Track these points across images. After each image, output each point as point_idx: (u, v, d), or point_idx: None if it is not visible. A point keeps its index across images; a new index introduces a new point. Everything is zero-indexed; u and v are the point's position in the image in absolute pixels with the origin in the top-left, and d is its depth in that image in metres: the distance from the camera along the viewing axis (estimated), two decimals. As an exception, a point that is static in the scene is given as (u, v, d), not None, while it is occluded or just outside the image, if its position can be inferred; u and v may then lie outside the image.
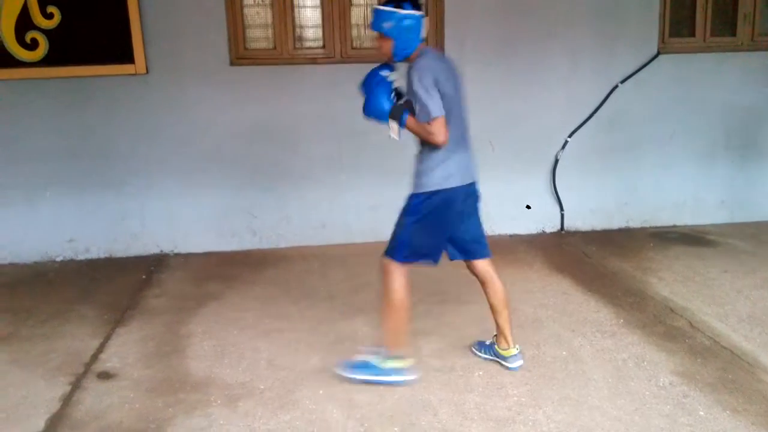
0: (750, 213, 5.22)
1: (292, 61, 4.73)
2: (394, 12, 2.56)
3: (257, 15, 4.77)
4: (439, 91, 2.55)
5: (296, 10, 4.71)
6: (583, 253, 4.59)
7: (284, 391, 2.77)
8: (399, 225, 2.76)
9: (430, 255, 2.78)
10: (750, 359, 2.97)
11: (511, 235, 5.00)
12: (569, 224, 5.11)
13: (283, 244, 4.83)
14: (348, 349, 3.12)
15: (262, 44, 4.76)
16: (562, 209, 5.08)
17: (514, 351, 2.93)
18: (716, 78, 5.07)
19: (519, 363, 2.92)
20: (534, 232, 5.08)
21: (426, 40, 2.69)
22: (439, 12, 4.74)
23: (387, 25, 2.57)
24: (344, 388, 2.78)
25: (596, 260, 4.43)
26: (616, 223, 5.12)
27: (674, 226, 5.10)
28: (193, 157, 4.69)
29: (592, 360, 3.02)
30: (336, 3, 4.67)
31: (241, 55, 4.69)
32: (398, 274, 2.74)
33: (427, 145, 2.67)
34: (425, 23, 2.62)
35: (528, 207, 5.05)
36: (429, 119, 2.55)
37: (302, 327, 3.43)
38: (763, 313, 3.48)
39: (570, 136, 4.99)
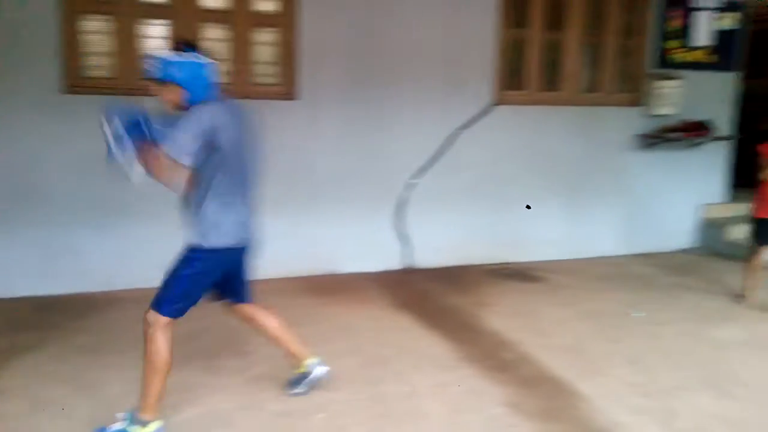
0: (574, 250, 5.74)
1: (134, 91, 4.49)
2: (182, 59, 2.48)
3: (98, 42, 4.51)
4: (208, 143, 2.46)
5: (140, 39, 4.51)
6: (425, 290, 4.77)
7: (105, 450, 2.54)
8: (174, 277, 2.61)
9: (193, 304, 2.69)
10: (570, 387, 3.23)
11: (357, 273, 5.07)
12: (414, 262, 5.29)
13: (115, 287, 4.48)
14: (179, 401, 2.96)
15: (102, 73, 4.50)
16: (407, 247, 5.26)
17: (314, 360, 3.03)
18: (545, 128, 5.59)
19: (323, 369, 3.05)
20: (380, 269, 5.19)
21: (218, 86, 2.62)
22: (292, 57, 4.78)
23: (175, 72, 2.46)
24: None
25: (437, 297, 4.62)
26: (456, 260, 5.38)
27: (508, 263, 5.47)
28: (16, 190, 4.26)
29: (430, 395, 3.11)
30: (184, 34, 4.54)
31: (77, 83, 4.39)
32: (166, 331, 2.59)
33: (198, 195, 2.58)
34: (214, 69, 2.55)
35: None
36: (172, 155, 2.41)
37: (130, 378, 3.15)
38: (582, 343, 3.81)
39: (415, 178, 5.21)
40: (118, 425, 2.60)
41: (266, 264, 4.81)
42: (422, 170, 5.22)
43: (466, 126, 5.29)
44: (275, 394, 3.05)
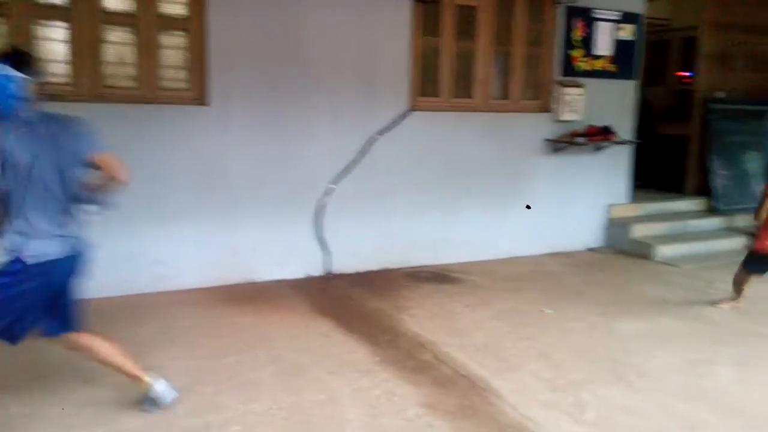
0: (490, 252, 5.89)
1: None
2: None
3: (-11, 44, 4.24)
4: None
5: (37, 41, 4.27)
6: (346, 295, 4.76)
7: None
8: None
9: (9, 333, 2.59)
10: (484, 385, 3.31)
11: (277, 281, 5.00)
12: (335, 267, 5.27)
13: None
14: (91, 423, 2.81)
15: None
16: (327, 253, 5.24)
17: (149, 380, 2.87)
18: (459, 133, 5.72)
19: (161, 388, 2.88)
20: (300, 276, 5.14)
21: (33, 101, 2.56)
22: (201, 62, 4.66)
23: None
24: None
25: (358, 301, 4.63)
26: (376, 264, 5.41)
27: (426, 266, 5.55)
28: None
29: (348, 400, 3.10)
30: (86, 37, 4.34)
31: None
32: None
33: (8, 212, 2.53)
34: (27, 84, 2.50)
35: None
36: None
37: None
38: (496, 342, 3.92)
39: (333, 183, 5.20)
40: None
41: (179, 274, 4.72)
42: (340, 175, 5.22)
43: (382, 131, 5.34)
44: (188, 408, 2.95)
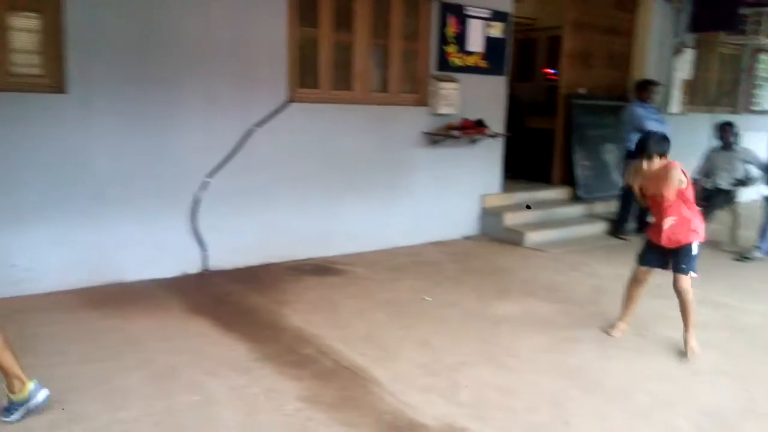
0: (373, 243, 5.95)
1: None
2: None
3: None
4: None
5: None
6: (224, 292, 4.61)
7: None
8: None
9: None
10: (365, 375, 3.34)
11: (149, 280, 4.74)
12: (212, 264, 5.09)
13: None
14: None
15: None
16: (204, 249, 5.04)
17: (31, 384, 2.74)
18: (339, 126, 5.71)
19: (44, 392, 2.77)
20: (175, 274, 4.90)
21: None
22: (58, 46, 4.29)
23: None
24: None
25: (237, 298, 4.50)
26: (257, 259, 5.29)
27: (308, 259, 5.51)
28: None
29: (225, 400, 3.02)
30: None
31: None
32: None
33: None
34: None
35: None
36: None
37: None
38: (377, 331, 3.97)
39: (209, 177, 5.01)
40: None
41: (38, 277, 4.34)
42: (216, 168, 5.03)
43: (260, 123, 5.21)
44: (49, 420, 2.73)
